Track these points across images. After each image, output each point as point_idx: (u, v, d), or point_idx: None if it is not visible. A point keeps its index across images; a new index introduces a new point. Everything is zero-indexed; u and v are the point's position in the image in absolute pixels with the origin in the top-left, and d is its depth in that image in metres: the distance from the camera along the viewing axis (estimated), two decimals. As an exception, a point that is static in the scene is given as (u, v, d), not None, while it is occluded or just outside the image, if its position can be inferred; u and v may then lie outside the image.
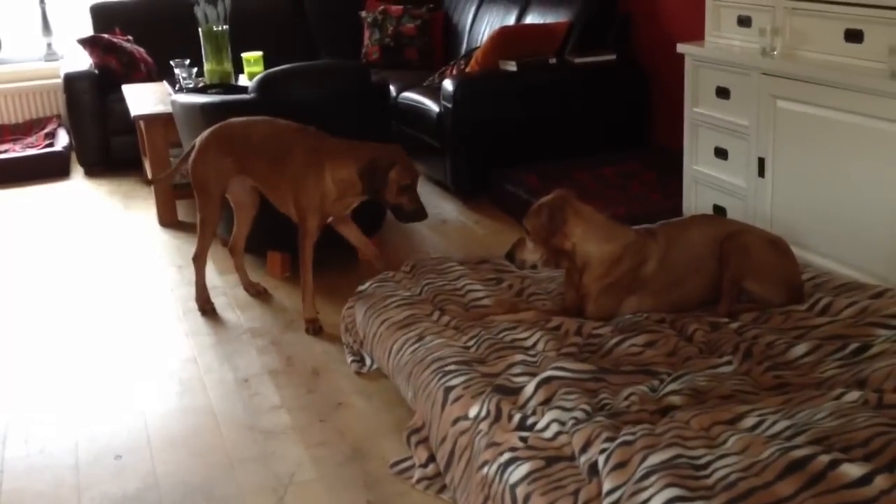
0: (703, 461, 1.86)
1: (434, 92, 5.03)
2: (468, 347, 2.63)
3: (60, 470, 2.67)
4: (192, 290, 3.91)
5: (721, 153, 3.57)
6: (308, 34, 6.77)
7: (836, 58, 3.04)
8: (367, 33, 6.46)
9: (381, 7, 6.47)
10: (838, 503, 1.64)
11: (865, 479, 1.68)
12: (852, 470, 1.70)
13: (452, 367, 2.49)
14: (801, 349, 2.39)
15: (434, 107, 4.90)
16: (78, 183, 5.82)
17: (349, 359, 3.15)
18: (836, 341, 2.40)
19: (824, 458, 1.73)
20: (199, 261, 3.68)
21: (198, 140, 3.57)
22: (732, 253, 2.68)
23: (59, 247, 4.64)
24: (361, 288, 3.20)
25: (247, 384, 3.11)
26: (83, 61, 6.04)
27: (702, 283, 2.74)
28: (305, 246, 3.42)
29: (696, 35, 3.79)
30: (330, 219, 3.49)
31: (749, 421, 1.97)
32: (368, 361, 3.09)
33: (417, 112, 5.09)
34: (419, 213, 3.31)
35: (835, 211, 3.03)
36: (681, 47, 3.71)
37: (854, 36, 2.96)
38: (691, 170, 3.76)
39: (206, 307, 3.71)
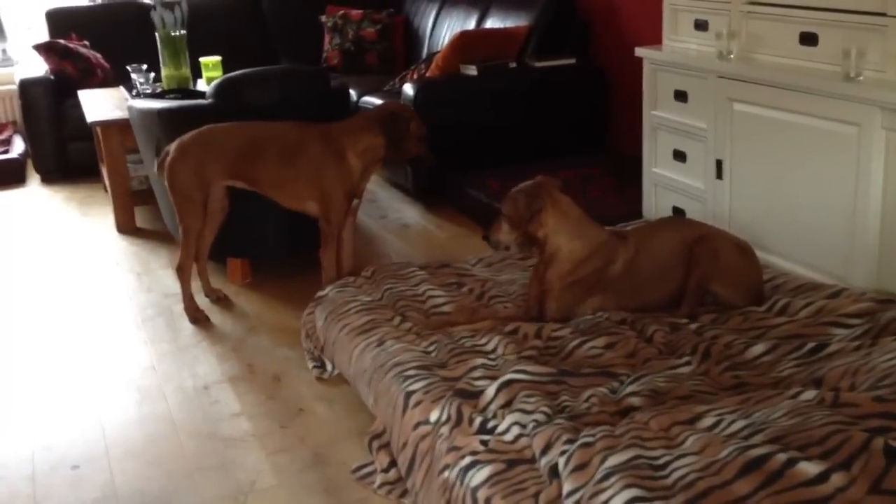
0: (661, 461, 1.86)
1: (395, 96, 5.02)
2: (428, 352, 2.62)
3: (16, 481, 2.62)
4: (151, 297, 3.88)
5: (680, 156, 3.59)
6: (267, 39, 6.73)
7: (792, 61, 3.07)
8: (327, 38, 6.45)
9: (342, 11, 6.45)
10: (795, 501, 1.65)
11: (822, 477, 1.69)
12: (809, 468, 1.71)
13: (413, 372, 2.48)
14: (759, 349, 2.41)
15: (395, 111, 4.88)
16: (34, 190, 5.74)
17: (310, 364, 3.13)
18: (793, 341, 2.42)
19: (781, 457, 1.74)
20: (183, 271, 3.62)
21: (175, 146, 3.50)
22: (702, 256, 2.69)
23: (15, 255, 4.57)
24: (321, 293, 3.18)
25: (207, 391, 3.07)
26: (39, 67, 5.96)
27: (667, 288, 2.76)
28: (330, 234, 3.48)
29: (655, 39, 3.82)
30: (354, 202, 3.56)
31: (707, 421, 1.98)
32: (329, 367, 3.07)
33: (378, 116, 5.07)
34: (433, 158, 3.52)
35: (792, 212, 3.07)
36: (639, 51, 3.74)
37: (809, 39, 3.00)
38: (651, 172, 3.79)
39: (198, 315, 3.65)
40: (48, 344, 3.54)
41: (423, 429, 2.27)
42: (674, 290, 2.75)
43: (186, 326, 3.60)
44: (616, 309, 2.74)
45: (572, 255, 2.73)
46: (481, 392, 2.31)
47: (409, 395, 2.39)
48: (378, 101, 5.16)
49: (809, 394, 2.00)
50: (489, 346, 2.61)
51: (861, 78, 2.77)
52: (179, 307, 3.77)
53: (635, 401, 2.17)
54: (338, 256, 3.65)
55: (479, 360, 2.50)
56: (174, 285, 4.00)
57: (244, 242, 3.97)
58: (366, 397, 2.67)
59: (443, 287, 3.10)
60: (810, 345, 2.37)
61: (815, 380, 2.15)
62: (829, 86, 2.84)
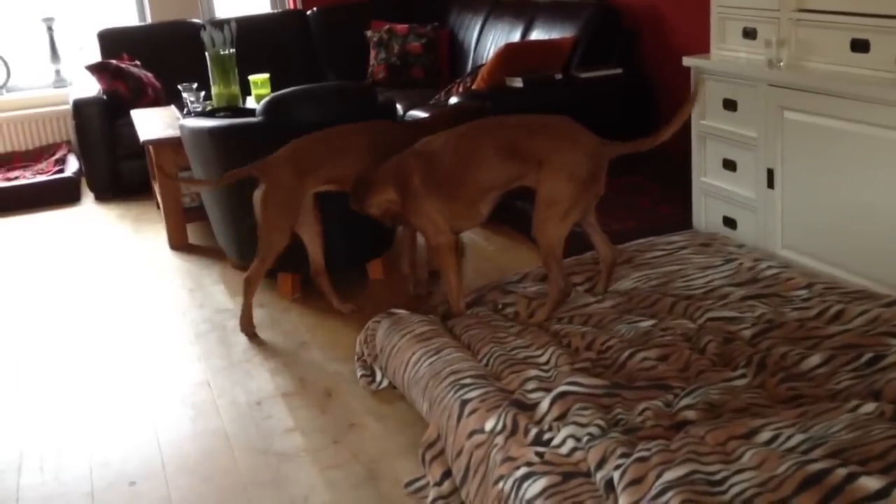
0: (718, 477, 1.85)
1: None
2: (483, 364, 2.63)
3: (75, 497, 2.67)
4: (203, 313, 3.94)
5: (729, 165, 3.56)
6: (314, 55, 6.80)
7: (843, 68, 3.03)
8: (372, 53, 6.49)
9: (387, 26, 6.50)
10: (857, 516, 1.63)
11: (883, 493, 1.67)
12: (870, 483, 1.68)
13: (469, 381, 2.49)
14: (814, 360, 2.38)
15: (441, 125, 4.90)
16: (88, 208, 5.85)
17: (359, 373, 3.14)
18: (849, 351, 2.39)
19: (841, 472, 1.72)
20: (251, 285, 3.65)
21: (264, 169, 3.54)
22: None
23: (70, 272, 4.66)
24: (393, 311, 3.18)
25: (259, 407, 3.10)
26: (91, 87, 6.08)
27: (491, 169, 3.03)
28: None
29: (702, 48, 3.79)
30: None
31: (764, 435, 1.96)
32: (379, 377, 3.09)
33: (425, 130, 5.10)
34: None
35: (845, 221, 3.02)
36: (686, 60, 3.71)
37: (860, 46, 2.96)
38: (700, 182, 3.76)
39: (250, 331, 3.70)
40: (104, 360, 3.60)
41: (479, 437, 2.28)
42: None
43: (239, 342, 3.64)
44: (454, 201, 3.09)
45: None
46: (536, 404, 2.31)
47: (464, 403, 2.40)
48: (423, 115, 5.19)
49: (868, 406, 1.97)
50: (542, 358, 2.61)
51: (915, 84, 2.73)
52: (232, 323, 3.82)
53: (690, 414, 2.16)
54: (410, 259, 3.82)
55: (533, 372, 2.51)
56: (226, 301, 4.06)
57: (294, 257, 4.00)
58: (419, 404, 2.68)
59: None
60: (867, 356, 2.33)
61: (874, 392, 2.12)
62: (882, 93, 2.80)
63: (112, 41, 6.38)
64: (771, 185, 3.32)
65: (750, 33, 3.43)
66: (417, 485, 2.51)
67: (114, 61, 6.08)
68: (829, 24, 3.07)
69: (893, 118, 2.77)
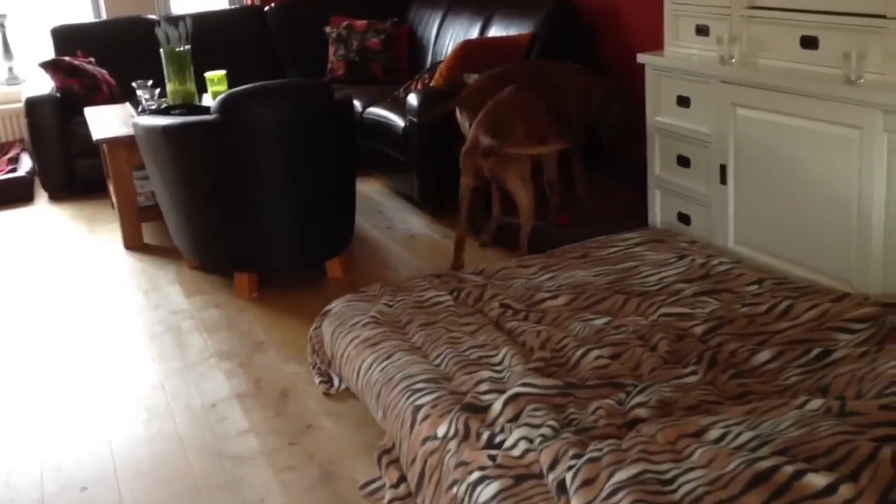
0: (669, 476, 1.86)
1: (399, 106, 5.03)
2: (437, 365, 2.62)
3: (26, 503, 2.63)
4: (158, 314, 3.92)
5: (683, 161, 3.58)
6: (272, 52, 6.75)
7: (793, 64, 3.06)
8: (331, 49, 6.46)
9: (346, 22, 6.46)
10: (803, 513, 1.65)
11: (830, 489, 1.68)
12: (817, 480, 1.70)
13: (421, 386, 2.48)
14: (764, 356, 2.40)
15: (399, 121, 4.89)
16: (42, 208, 5.77)
17: (317, 380, 3.13)
18: (798, 346, 2.41)
19: (788, 469, 1.73)
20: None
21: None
22: None
23: (23, 273, 4.59)
24: (328, 307, 3.18)
25: (214, 409, 3.08)
26: (45, 85, 5.99)
27: None
28: None
29: (657, 45, 3.81)
30: None
31: (714, 433, 1.97)
32: (337, 381, 3.07)
33: (383, 127, 5.09)
34: None
35: (796, 216, 3.05)
36: (641, 57, 3.73)
37: (810, 42, 2.99)
38: (655, 177, 3.78)
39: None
40: (56, 362, 3.55)
41: (432, 444, 2.27)
42: None
43: (194, 343, 3.61)
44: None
45: None
46: (489, 406, 2.31)
47: (417, 409, 2.39)
48: (383, 112, 5.17)
49: (816, 403, 1.99)
50: (496, 358, 2.61)
51: (862, 81, 2.76)
52: (187, 324, 3.78)
53: (642, 412, 2.17)
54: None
55: (486, 373, 2.50)
56: (181, 302, 4.02)
57: (251, 256, 3.98)
58: (374, 412, 2.67)
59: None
60: (815, 351, 2.36)
61: (821, 388, 2.14)
62: (831, 89, 2.82)
63: (66, 38, 6.29)
64: (723, 181, 3.34)
65: (703, 30, 3.45)
66: (373, 486, 2.50)
67: (67, 58, 5.99)
68: (780, 21, 3.10)
69: (841, 114, 2.80)
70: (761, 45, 3.20)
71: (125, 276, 4.43)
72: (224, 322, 3.78)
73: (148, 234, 4.88)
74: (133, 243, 4.81)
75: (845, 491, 1.67)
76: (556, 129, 3.97)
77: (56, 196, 5.90)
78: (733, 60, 3.27)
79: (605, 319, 2.76)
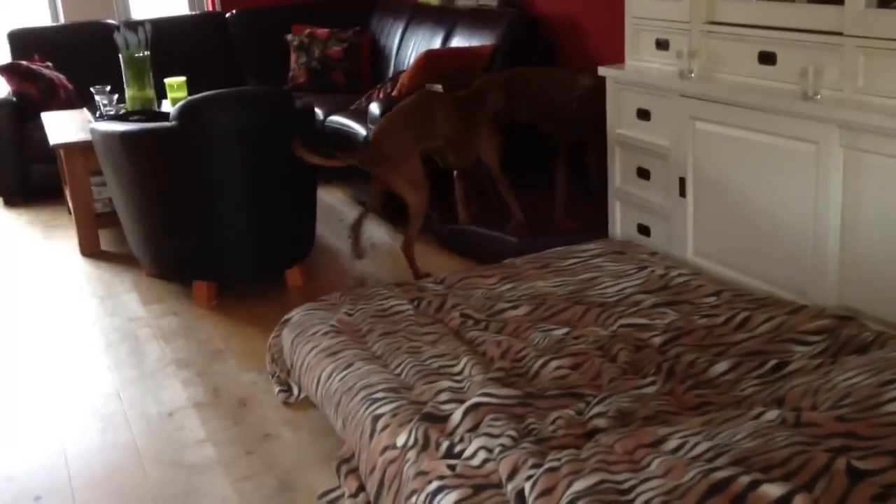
0: (627, 485, 1.86)
1: (361, 115, 5.02)
2: (397, 374, 2.62)
3: (-24, 515, 2.59)
4: (115, 322, 3.88)
5: (643, 173, 3.61)
6: (233, 58, 6.71)
7: (752, 80, 3.10)
8: (293, 56, 6.43)
9: (308, 30, 6.44)
10: (758, 523, 1.66)
11: (785, 499, 1.70)
12: (772, 490, 1.72)
13: (381, 395, 2.47)
14: (721, 367, 2.42)
15: (361, 130, 4.89)
16: (-4, 213, 5.68)
17: (276, 389, 3.11)
18: (754, 358, 2.44)
19: (744, 479, 1.75)
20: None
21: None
22: None
23: (-24, 280, 4.51)
24: (288, 316, 3.16)
25: (171, 418, 3.04)
26: (1, 89, 5.90)
27: None
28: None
29: (617, 57, 3.85)
30: None
31: (672, 443, 1.99)
32: (296, 390, 3.05)
33: (345, 135, 5.08)
34: None
35: (753, 229, 3.09)
36: (601, 70, 3.76)
37: (767, 58, 3.04)
38: (615, 189, 3.81)
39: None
40: (9, 370, 3.49)
41: (391, 453, 2.26)
42: None
43: (151, 352, 3.57)
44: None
45: None
46: (448, 416, 2.30)
47: (376, 418, 2.38)
48: (345, 121, 5.16)
49: (771, 414, 2.02)
50: (457, 368, 2.61)
51: (819, 96, 2.80)
52: (144, 332, 3.74)
53: (601, 422, 2.18)
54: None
55: (446, 383, 2.50)
56: (138, 309, 3.98)
57: (210, 264, 3.95)
58: (334, 421, 2.65)
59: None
60: (771, 362, 2.38)
61: (777, 399, 2.17)
62: (788, 104, 2.87)
63: (23, 41, 6.21)
64: (682, 193, 3.38)
65: (662, 44, 3.49)
66: (332, 496, 2.48)
67: (24, 62, 5.91)
68: (738, 37, 3.15)
69: (798, 129, 2.85)
70: (720, 59, 3.24)
71: (81, 283, 4.37)
72: (182, 330, 3.74)
73: (105, 241, 4.82)
74: (90, 250, 4.75)
75: (800, 501, 1.69)
76: (454, 137, 4.03)
77: (11, 202, 5.81)
78: (693, 75, 3.31)
79: (565, 330, 2.77)
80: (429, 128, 3.95)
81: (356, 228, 4.06)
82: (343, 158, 3.93)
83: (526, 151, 4.61)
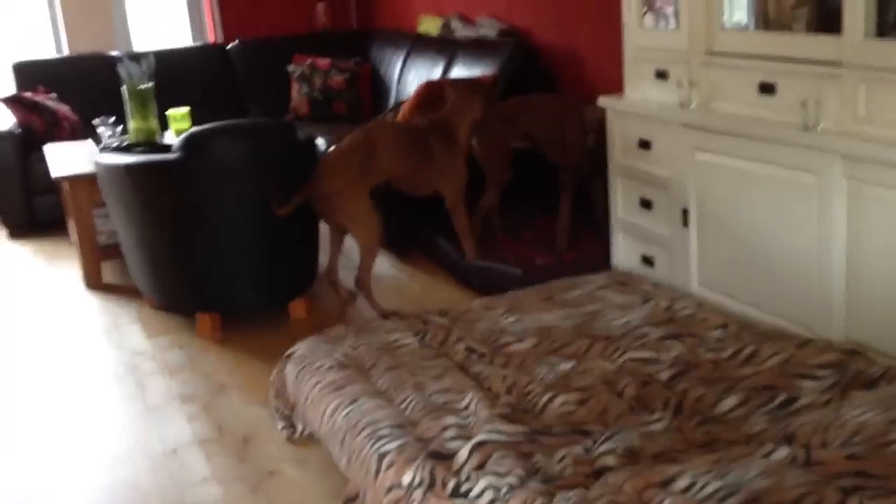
0: (636, 526, 1.85)
1: (363, 145, 5.02)
2: (402, 410, 2.61)
3: (-20, 556, 2.57)
4: (119, 355, 3.86)
5: (646, 203, 3.62)
6: (236, 89, 6.75)
7: (752, 110, 3.10)
8: (295, 87, 6.46)
9: (309, 61, 6.48)
10: (769, 565, 1.65)
11: (795, 540, 1.69)
12: (782, 530, 1.71)
13: (386, 431, 2.46)
14: (730, 402, 2.41)
15: (363, 160, 4.89)
16: (1, 245, 5.68)
17: (280, 425, 3.09)
18: (763, 393, 2.43)
19: (755, 520, 1.74)
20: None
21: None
22: None
23: (-21, 314, 4.51)
24: (291, 350, 3.15)
25: (175, 454, 3.03)
26: (5, 120, 5.92)
27: None
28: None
29: (617, 87, 3.86)
30: None
31: (682, 482, 1.97)
32: (300, 427, 3.04)
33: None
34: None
35: (757, 260, 3.09)
36: (602, 100, 3.77)
37: (767, 88, 3.04)
38: (618, 219, 3.81)
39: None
40: (13, 404, 3.48)
41: (397, 493, 2.25)
42: None
43: (155, 386, 3.56)
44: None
45: None
46: (454, 454, 2.29)
47: (381, 456, 2.36)
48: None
49: (781, 452, 2.00)
50: (462, 403, 2.59)
51: (820, 127, 2.80)
52: (148, 365, 3.73)
53: (609, 460, 2.17)
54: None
55: (452, 419, 2.48)
56: (142, 342, 3.97)
57: (213, 296, 3.95)
58: (338, 459, 2.63)
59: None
60: (780, 398, 2.37)
61: (787, 436, 2.15)
62: (789, 135, 2.87)
63: (28, 73, 6.25)
64: (685, 224, 3.38)
65: (662, 74, 3.50)
66: (338, 535, 2.47)
67: (28, 94, 5.94)
68: (738, 68, 3.15)
69: (800, 160, 2.85)
70: (720, 90, 3.25)
71: (85, 315, 4.37)
72: (186, 363, 3.73)
73: (108, 273, 4.82)
74: (93, 282, 4.75)
75: (811, 542, 1.68)
76: (402, 170, 3.98)
77: (15, 233, 5.82)
78: (693, 105, 3.31)
79: (571, 363, 2.76)
80: (373, 162, 3.86)
81: (330, 276, 4.00)
82: (293, 201, 3.75)
83: (531, 179, 4.61)
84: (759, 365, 2.60)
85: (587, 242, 4.23)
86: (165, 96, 5.58)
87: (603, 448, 2.23)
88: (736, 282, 3.19)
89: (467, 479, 2.18)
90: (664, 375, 2.61)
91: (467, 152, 4.13)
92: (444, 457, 2.28)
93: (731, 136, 3.11)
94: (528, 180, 4.59)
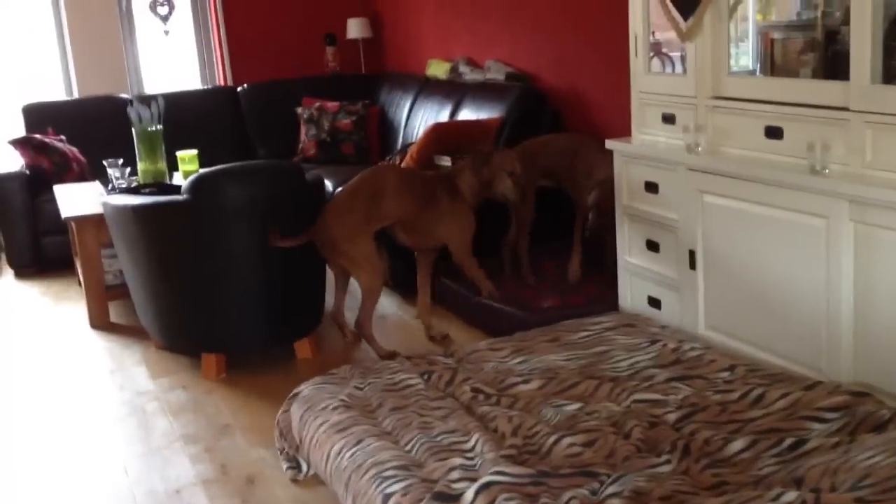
0: (644, 569, 1.83)
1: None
2: (407, 451, 2.59)
3: None
4: (123, 396, 3.85)
5: (653, 245, 3.62)
6: (244, 130, 6.81)
7: (759, 154, 3.12)
8: (303, 129, 6.51)
9: (318, 103, 6.53)
10: None
11: (806, 584, 1.66)
12: (792, 574, 1.68)
13: (391, 472, 2.44)
14: (738, 445, 2.39)
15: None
16: (7, 284, 5.70)
17: (284, 465, 3.07)
18: (771, 436, 2.41)
19: (764, 563, 1.71)
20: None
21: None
22: None
23: (-15, 353, 4.51)
24: (297, 391, 3.14)
25: (178, 495, 3.00)
26: (14, 162, 5.97)
27: None
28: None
29: (624, 129, 3.88)
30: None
31: (689, 525, 1.95)
32: (305, 467, 3.02)
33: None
34: (516, 197, 4.03)
35: (765, 302, 3.08)
36: (609, 143, 3.79)
37: (774, 132, 3.06)
38: (625, 261, 3.81)
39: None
40: (15, 444, 3.46)
41: (402, 535, 2.23)
42: None
43: (159, 426, 3.54)
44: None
45: None
46: (460, 495, 2.27)
47: (387, 497, 2.34)
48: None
49: (790, 496, 1.98)
50: (468, 444, 2.58)
51: (827, 171, 2.81)
52: (152, 405, 3.72)
53: (616, 502, 2.14)
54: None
55: (458, 460, 2.46)
56: (147, 383, 3.96)
57: (219, 337, 3.94)
58: (343, 500, 2.61)
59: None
60: (789, 441, 2.35)
61: (796, 479, 2.13)
62: (796, 179, 2.88)
63: (37, 115, 6.31)
64: (693, 266, 3.38)
65: (669, 118, 3.52)
66: (341, 577, 2.44)
67: (38, 136, 5.99)
68: (744, 112, 3.17)
69: (807, 203, 2.85)
70: (727, 134, 3.27)
71: (90, 355, 4.36)
72: (190, 404, 3.72)
73: (115, 313, 4.82)
74: (99, 322, 4.75)
75: (822, 586, 1.66)
76: (404, 216, 3.96)
77: (22, 273, 5.84)
78: (700, 149, 3.33)
79: (578, 405, 2.75)
80: (377, 204, 3.87)
81: (337, 317, 4.05)
82: (299, 237, 3.81)
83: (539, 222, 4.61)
84: (767, 407, 2.58)
85: (594, 286, 4.22)
86: (174, 138, 5.63)
87: (610, 490, 2.21)
88: (744, 324, 3.18)
89: (473, 521, 2.16)
90: (672, 417, 2.59)
91: (473, 208, 4.10)
92: (449, 498, 2.26)
93: (739, 179, 3.12)
94: (536, 223, 4.58)
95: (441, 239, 4.07)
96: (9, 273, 5.89)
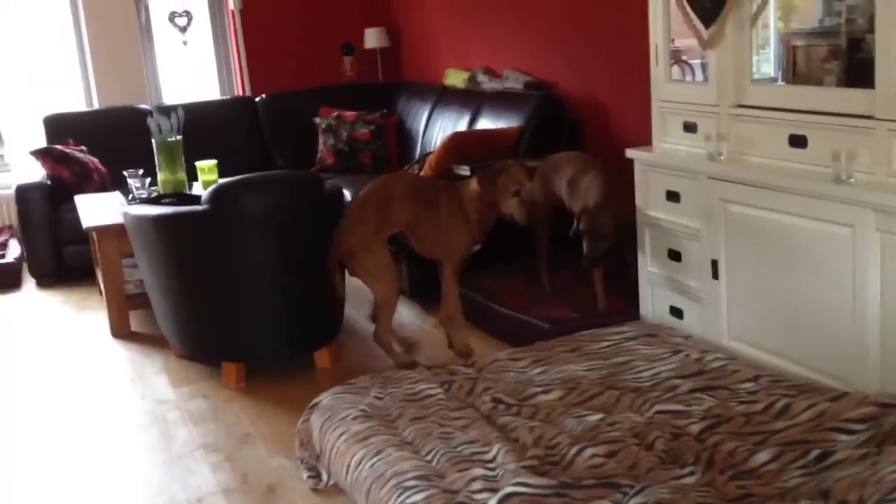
0: (670, 582, 1.81)
1: (389, 197, 5.04)
2: (428, 461, 2.58)
3: None
4: (144, 405, 3.85)
5: (675, 255, 3.59)
6: (263, 140, 6.83)
7: (782, 162, 3.09)
8: (321, 139, 6.52)
9: (335, 113, 6.54)
10: None
11: None
12: (821, 588, 1.66)
13: (412, 483, 2.43)
14: (763, 456, 2.37)
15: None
16: (29, 294, 5.73)
17: (305, 475, 3.06)
18: (797, 447, 2.38)
19: (792, 577, 1.69)
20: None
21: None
22: None
23: (9, 360, 4.52)
24: (317, 400, 3.14)
25: (200, 505, 3.01)
26: (36, 172, 6.01)
27: None
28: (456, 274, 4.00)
29: (645, 139, 3.86)
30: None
31: (715, 537, 1.93)
32: (325, 476, 3.01)
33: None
34: (523, 216, 3.79)
35: (790, 312, 3.05)
36: (629, 152, 3.77)
37: (798, 141, 3.03)
38: (646, 271, 3.78)
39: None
40: (38, 453, 3.47)
41: (423, 546, 2.22)
42: None
43: (179, 435, 3.54)
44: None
45: None
46: (481, 506, 2.26)
47: (407, 508, 2.33)
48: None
49: (818, 508, 1.96)
50: (489, 455, 2.56)
51: (852, 180, 2.79)
52: (173, 414, 3.72)
53: (639, 514, 2.13)
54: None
55: (479, 471, 2.45)
56: (168, 392, 3.97)
57: (239, 346, 3.95)
58: (363, 510, 2.61)
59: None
60: (815, 452, 2.33)
61: (822, 491, 2.11)
62: (821, 188, 2.85)
63: (58, 126, 6.35)
64: (715, 275, 3.35)
65: (690, 127, 3.50)
66: (362, 588, 2.43)
67: (59, 146, 6.03)
68: (767, 121, 3.15)
69: (831, 212, 2.83)
70: (749, 142, 3.24)
71: (111, 364, 4.37)
72: (211, 413, 3.72)
73: (135, 322, 4.83)
74: (120, 331, 4.76)
75: None
76: (412, 223, 3.91)
77: (44, 283, 5.87)
78: (722, 157, 3.31)
79: (600, 416, 2.73)
80: (388, 212, 3.85)
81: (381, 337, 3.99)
82: (328, 262, 3.88)
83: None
84: (792, 418, 2.56)
85: (614, 297, 4.19)
86: (194, 148, 5.65)
87: (634, 502, 2.19)
88: (768, 334, 3.15)
89: (495, 532, 2.15)
90: (695, 428, 2.57)
91: (482, 225, 3.96)
92: (471, 509, 2.25)
93: (762, 188, 3.09)
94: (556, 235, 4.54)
95: (433, 252, 3.99)
96: (30, 282, 5.93)
